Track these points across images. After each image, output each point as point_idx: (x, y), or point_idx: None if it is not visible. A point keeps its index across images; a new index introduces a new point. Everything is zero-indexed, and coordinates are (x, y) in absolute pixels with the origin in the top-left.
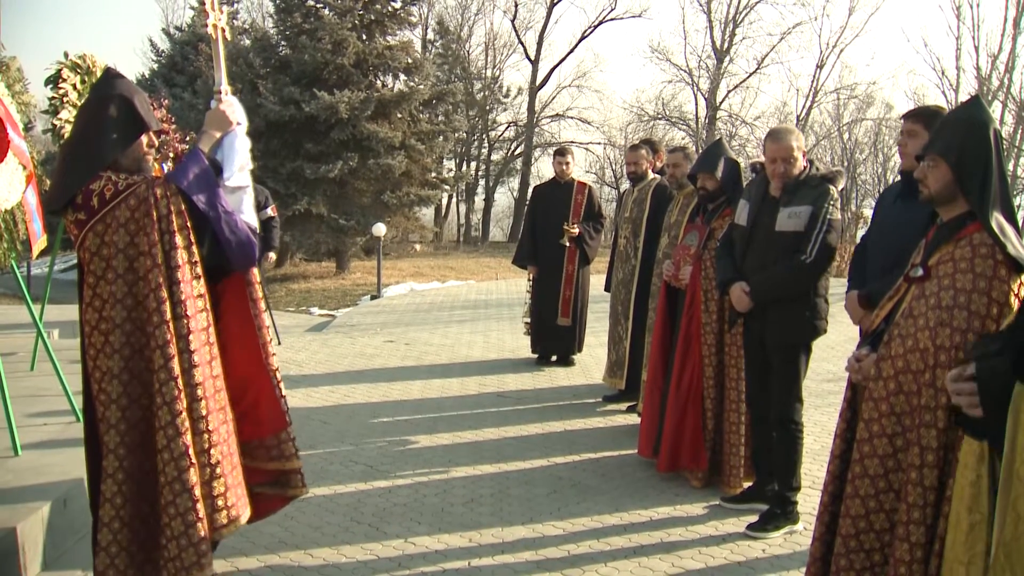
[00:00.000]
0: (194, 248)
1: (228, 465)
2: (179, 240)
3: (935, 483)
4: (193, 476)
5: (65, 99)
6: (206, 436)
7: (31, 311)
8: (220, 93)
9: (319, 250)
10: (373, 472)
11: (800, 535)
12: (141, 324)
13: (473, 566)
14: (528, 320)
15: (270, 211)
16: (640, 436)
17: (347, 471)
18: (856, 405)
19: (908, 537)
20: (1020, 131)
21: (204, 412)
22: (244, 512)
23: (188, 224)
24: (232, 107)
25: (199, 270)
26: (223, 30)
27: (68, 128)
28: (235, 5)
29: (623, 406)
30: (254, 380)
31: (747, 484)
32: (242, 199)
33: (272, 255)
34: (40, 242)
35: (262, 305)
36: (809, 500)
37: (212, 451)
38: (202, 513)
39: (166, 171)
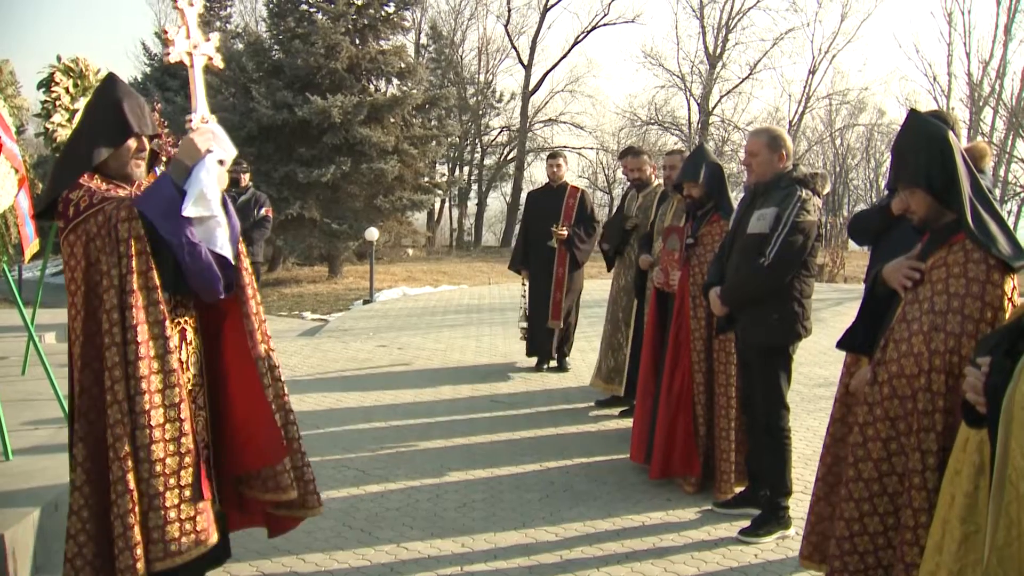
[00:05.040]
0: (153, 273)
1: (177, 496)
2: (135, 264)
3: (937, 485)
4: (128, 503)
5: (57, 103)
6: (147, 465)
7: (23, 315)
8: (191, 121)
9: (312, 254)
10: (365, 477)
11: (792, 540)
12: (97, 343)
13: (466, 571)
14: (524, 325)
15: (264, 211)
16: (632, 441)
17: (339, 476)
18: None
19: (917, 541)
20: (1011, 137)
21: (147, 441)
22: (211, 537)
23: (147, 249)
24: (203, 135)
25: (158, 295)
26: (208, 57)
27: (61, 131)
28: (228, 9)
29: (615, 411)
30: (251, 412)
31: (738, 489)
32: (213, 230)
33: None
34: (32, 246)
35: (259, 337)
36: (801, 504)
37: (153, 481)
38: (138, 539)
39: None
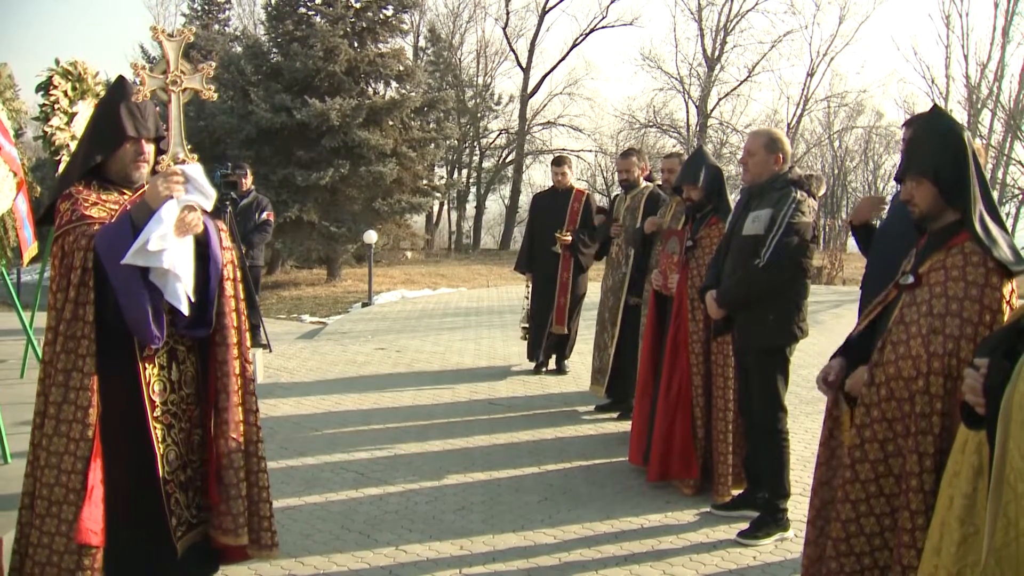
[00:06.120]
0: (89, 308)
1: (55, 526)
2: (74, 295)
3: (934, 487)
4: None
5: (56, 106)
6: (38, 485)
7: (21, 318)
8: (161, 161)
9: (310, 257)
10: (364, 480)
11: (791, 542)
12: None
13: (465, 573)
14: (525, 326)
15: (265, 215)
16: (631, 444)
17: (338, 479)
18: (839, 412)
19: (915, 544)
20: (1009, 139)
21: (41, 463)
22: None
23: (90, 283)
24: (169, 180)
25: (89, 330)
26: (195, 91)
27: (59, 135)
28: (226, 12)
29: (614, 414)
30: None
31: (736, 492)
32: (169, 279)
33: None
34: (31, 249)
35: (235, 384)
36: (800, 507)
37: (38, 501)
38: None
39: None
